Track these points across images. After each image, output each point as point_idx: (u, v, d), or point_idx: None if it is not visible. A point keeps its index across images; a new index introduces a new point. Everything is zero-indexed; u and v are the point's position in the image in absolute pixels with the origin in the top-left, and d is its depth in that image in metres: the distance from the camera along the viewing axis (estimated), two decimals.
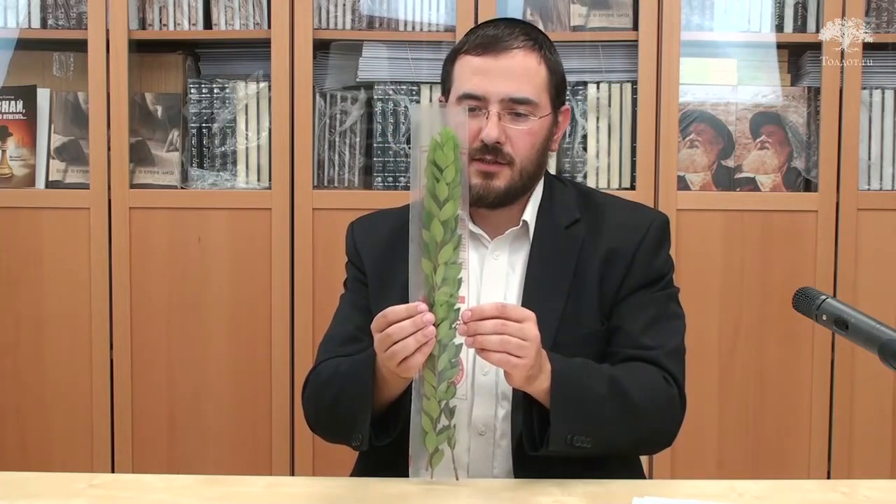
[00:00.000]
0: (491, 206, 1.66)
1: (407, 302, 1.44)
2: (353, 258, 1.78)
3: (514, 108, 1.63)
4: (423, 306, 1.39)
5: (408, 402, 1.52)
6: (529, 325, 1.43)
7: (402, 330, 1.38)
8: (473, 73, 1.64)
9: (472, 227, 1.69)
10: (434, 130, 1.40)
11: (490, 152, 1.62)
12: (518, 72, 1.64)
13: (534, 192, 1.71)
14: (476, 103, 1.63)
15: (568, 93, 1.85)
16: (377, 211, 1.84)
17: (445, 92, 1.71)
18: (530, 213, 1.70)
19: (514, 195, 1.67)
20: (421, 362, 1.40)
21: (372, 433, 1.53)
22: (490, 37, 1.65)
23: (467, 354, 1.63)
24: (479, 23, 1.67)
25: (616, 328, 1.66)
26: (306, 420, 1.70)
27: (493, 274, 1.69)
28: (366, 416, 1.51)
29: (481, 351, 1.42)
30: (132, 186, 2.56)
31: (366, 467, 1.72)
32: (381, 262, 1.72)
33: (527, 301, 1.65)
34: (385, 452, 1.67)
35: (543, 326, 1.61)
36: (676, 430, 1.63)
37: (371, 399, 1.51)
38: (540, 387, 1.48)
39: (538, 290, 1.65)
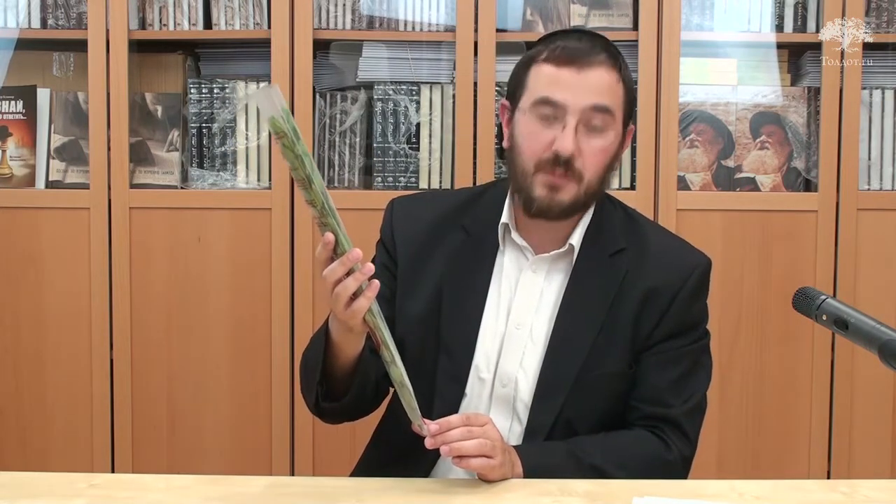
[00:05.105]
0: (553, 218, 1.63)
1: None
2: (386, 240, 1.75)
3: (593, 119, 1.58)
4: (356, 252, 1.38)
5: (359, 370, 1.57)
6: (490, 427, 1.48)
7: (334, 272, 1.38)
8: (553, 82, 1.59)
9: (516, 238, 1.67)
10: (267, 115, 1.31)
11: (561, 165, 1.58)
12: (601, 84, 1.59)
13: (586, 213, 1.67)
14: (553, 110, 1.59)
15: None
16: (422, 193, 1.82)
17: (513, 98, 1.66)
18: (577, 237, 1.66)
19: (576, 210, 1.63)
20: (366, 306, 1.39)
21: (321, 392, 1.57)
22: (572, 49, 1.60)
23: (489, 365, 1.65)
24: (555, 32, 1.60)
25: (642, 379, 1.64)
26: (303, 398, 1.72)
27: (527, 288, 1.66)
28: (316, 375, 1.56)
29: (460, 459, 1.44)
30: (132, 186, 2.56)
31: (370, 465, 1.72)
32: (416, 253, 1.70)
33: (558, 327, 1.63)
34: (390, 450, 1.68)
35: (570, 358, 1.61)
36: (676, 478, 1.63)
37: (321, 358, 1.54)
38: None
39: (572, 318, 1.63)
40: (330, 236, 1.36)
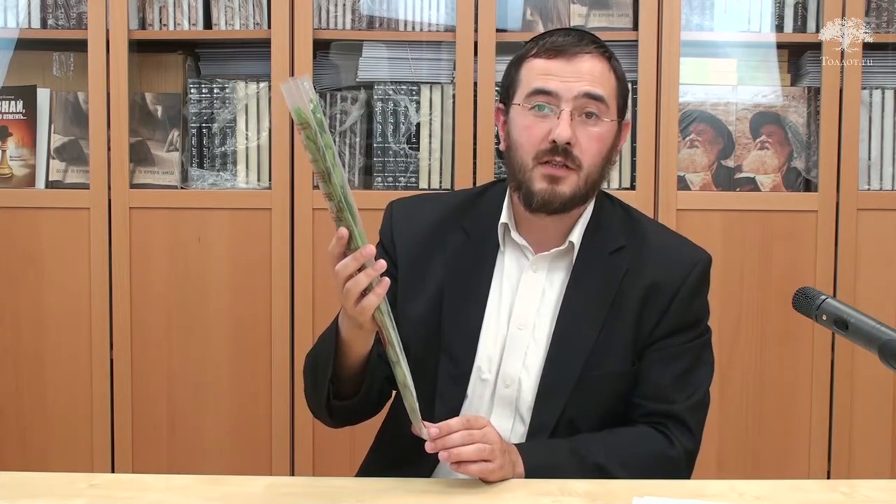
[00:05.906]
0: (553, 212, 1.62)
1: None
2: (386, 243, 1.74)
3: (587, 106, 1.60)
4: (370, 248, 1.38)
5: (368, 369, 1.57)
6: (490, 429, 1.47)
7: (346, 268, 1.39)
8: (545, 73, 1.61)
9: (516, 237, 1.67)
10: (294, 105, 1.32)
11: (560, 154, 1.59)
12: (592, 72, 1.61)
13: (585, 210, 1.67)
14: (547, 99, 1.60)
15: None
16: (421, 195, 1.82)
17: (506, 97, 1.67)
18: (577, 234, 1.66)
19: (576, 203, 1.63)
20: (375, 303, 1.40)
21: (331, 390, 1.57)
22: (561, 42, 1.63)
23: (491, 366, 1.65)
24: (544, 32, 1.63)
25: (644, 376, 1.64)
26: (306, 401, 1.72)
27: (528, 287, 1.66)
28: (327, 372, 1.55)
29: (459, 464, 1.44)
30: (132, 186, 2.56)
31: (372, 468, 1.72)
32: (416, 255, 1.70)
33: (560, 326, 1.63)
34: (392, 453, 1.68)
35: (573, 357, 1.61)
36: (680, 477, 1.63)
37: (332, 355, 1.54)
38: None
39: (573, 316, 1.63)
40: (344, 231, 1.37)
